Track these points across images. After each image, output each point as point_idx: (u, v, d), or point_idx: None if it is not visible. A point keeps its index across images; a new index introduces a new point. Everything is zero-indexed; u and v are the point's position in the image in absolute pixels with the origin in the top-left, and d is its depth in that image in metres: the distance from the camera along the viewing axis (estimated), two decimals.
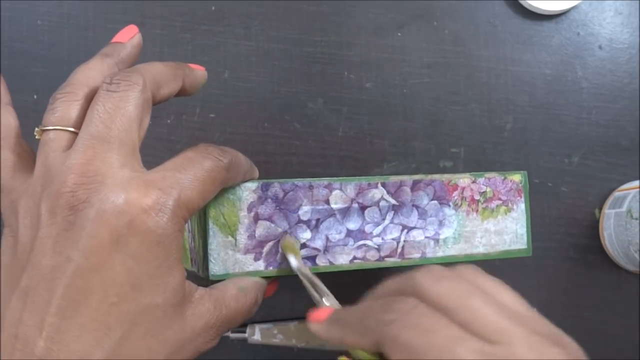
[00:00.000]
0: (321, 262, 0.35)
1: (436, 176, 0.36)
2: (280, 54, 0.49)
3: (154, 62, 0.31)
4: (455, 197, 0.36)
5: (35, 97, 0.48)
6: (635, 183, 0.47)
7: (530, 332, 0.24)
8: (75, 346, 0.25)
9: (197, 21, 0.49)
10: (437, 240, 0.36)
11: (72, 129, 0.29)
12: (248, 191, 0.33)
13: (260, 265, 0.34)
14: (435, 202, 0.36)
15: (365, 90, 0.49)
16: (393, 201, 0.36)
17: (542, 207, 0.48)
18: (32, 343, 0.25)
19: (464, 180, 0.37)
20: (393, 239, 0.36)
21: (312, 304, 0.48)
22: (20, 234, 0.27)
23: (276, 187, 0.34)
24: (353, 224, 0.35)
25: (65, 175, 0.26)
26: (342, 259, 0.35)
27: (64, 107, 0.30)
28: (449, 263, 0.35)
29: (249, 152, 0.48)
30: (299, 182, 0.34)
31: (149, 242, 0.26)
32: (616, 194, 0.47)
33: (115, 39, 0.33)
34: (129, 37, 0.33)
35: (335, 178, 0.35)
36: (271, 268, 0.34)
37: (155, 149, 0.48)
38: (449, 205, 0.36)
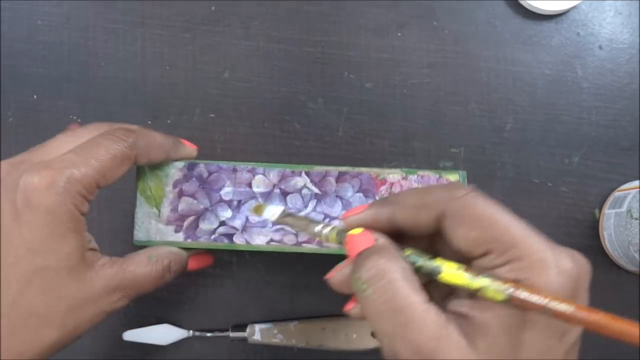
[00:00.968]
0: (238, 240, 0.37)
1: (364, 169, 0.37)
2: (280, 54, 0.49)
3: (154, 132, 0.36)
4: (382, 192, 0.37)
5: (35, 97, 0.48)
6: (635, 183, 0.47)
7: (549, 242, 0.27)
8: None
9: (197, 21, 0.49)
10: None
11: None
12: (175, 169, 0.37)
13: (180, 237, 0.37)
14: (360, 194, 0.37)
15: (365, 90, 0.49)
16: (316, 190, 0.37)
17: (542, 207, 0.48)
18: None
19: (394, 175, 0.37)
20: None
21: (314, 304, 0.48)
22: None
23: (201, 167, 0.37)
24: None
25: (5, 166, 0.33)
26: (259, 240, 0.37)
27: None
28: None
29: (249, 152, 0.48)
30: (223, 164, 0.37)
31: (40, 213, 0.31)
32: (616, 194, 0.47)
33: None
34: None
35: (259, 163, 0.37)
36: (190, 240, 0.37)
37: None
38: (375, 199, 0.37)
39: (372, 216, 0.30)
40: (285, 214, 0.34)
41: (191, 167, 0.37)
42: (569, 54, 0.49)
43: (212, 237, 0.37)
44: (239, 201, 0.37)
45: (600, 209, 0.48)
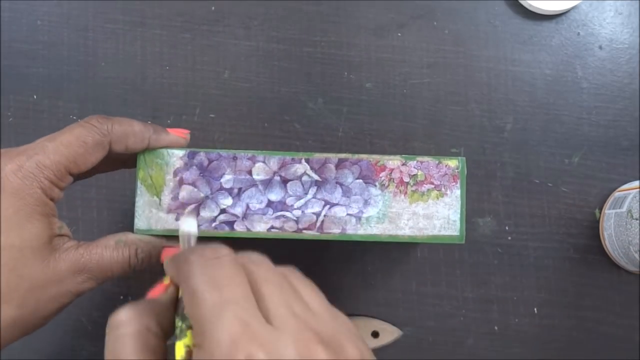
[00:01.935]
0: (239, 227, 0.37)
1: (363, 156, 0.37)
2: (280, 54, 0.49)
3: (133, 120, 0.36)
4: (382, 178, 0.37)
5: (35, 97, 0.48)
6: (635, 183, 0.47)
7: (305, 328, 0.26)
8: None
9: (197, 21, 0.49)
10: (359, 218, 0.37)
11: None
12: (175, 157, 0.37)
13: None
14: (360, 181, 0.37)
15: (365, 90, 0.49)
16: (316, 177, 0.37)
17: (542, 207, 0.48)
18: None
19: (393, 162, 0.37)
20: (314, 213, 0.37)
21: None
22: None
23: (201, 155, 0.37)
24: (275, 196, 0.37)
25: None
26: (260, 227, 0.37)
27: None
28: (371, 242, 0.37)
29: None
30: (223, 152, 0.37)
31: (7, 195, 0.32)
32: (616, 194, 0.47)
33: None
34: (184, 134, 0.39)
35: (259, 151, 0.37)
36: None
37: None
38: (375, 185, 0.37)
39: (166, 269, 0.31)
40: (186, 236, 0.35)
41: (191, 155, 0.37)
42: (569, 54, 0.49)
43: (213, 224, 0.37)
44: (240, 189, 0.37)
45: (601, 209, 0.48)
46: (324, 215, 0.37)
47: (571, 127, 0.49)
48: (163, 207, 0.37)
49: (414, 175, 0.37)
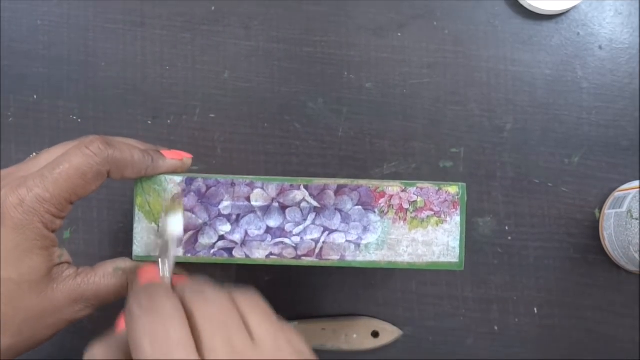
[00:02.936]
0: (238, 254, 0.37)
1: (363, 182, 0.37)
2: (280, 54, 0.49)
3: (134, 148, 0.35)
4: (382, 204, 0.37)
5: (35, 97, 0.48)
6: (635, 183, 0.47)
7: None
8: None
9: (197, 21, 0.49)
10: (358, 245, 0.37)
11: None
12: (173, 184, 0.37)
13: (179, 252, 0.37)
14: (360, 207, 0.37)
15: (365, 90, 0.49)
16: (315, 203, 0.37)
17: (542, 207, 0.48)
18: None
19: (393, 188, 0.37)
20: (312, 240, 0.37)
21: (315, 305, 0.49)
22: None
23: (199, 182, 0.37)
24: (273, 222, 0.37)
25: None
26: (259, 254, 0.37)
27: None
28: (370, 268, 0.37)
29: (249, 152, 0.48)
30: (221, 178, 0.37)
31: (7, 229, 0.32)
32: (616, 194, 0.47)
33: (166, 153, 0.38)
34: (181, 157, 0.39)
35: (258, 177, 0.37)
36: (189, 255, 0.37)
37: None
38: (374, 212, 0.37)
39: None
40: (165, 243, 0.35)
41: (189, 181, 0.37)
42: (569, 54, 0.49)
43: (212, 251, 0.37)
44: (238, 215, 0.37)
45: (600, 209, 0.48)
46: (323, 242, 0.37)
47: (571, 127, 0.49)
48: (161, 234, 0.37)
49: (414, 201, 0.37)
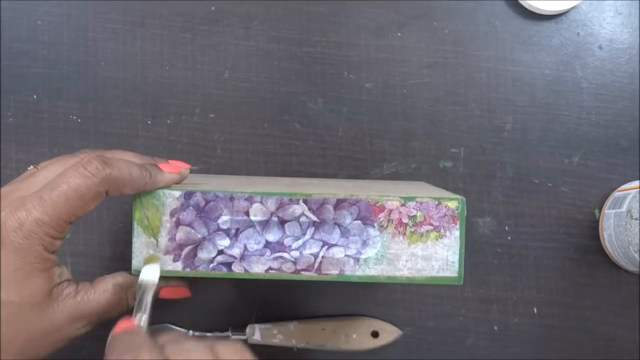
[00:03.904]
0: (237, 269, 0.37)
1: (362, 196, 0.37)
2: (280, 54, 0.49)
3: (132, 164, 0.35)
4: (381, 219, 0.37)
5: (35, 97, 0.48)
6: (635, 183, 0.47)
7: None
8: None
9: (197, 21, 0.49)
10: (357, 259, 0.36)
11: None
12: (172, 198, 0.37)
13: (178, 266, 0.37)
14: (359, 222, 0.37)
15: (365, 90, 0.49)
16: (314, 218, 0.37)
17: (542, 207, 0.48)
18: None
19: (392, 202, 0.37)
20: (311, 254, 0.37)
21: (315, 305, 0.49)
22: None
23: (198, 196, 0.37)
24: (272, 236, 0.37)
25: None
26: (258, 268, 0.37)
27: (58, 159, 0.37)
28: (369, 283, 0.37)
29: (249, 152, 0.48)
30: (220, 193, 0.37)
31: (7, 253, 0.32)
32: (616, 194, 0.47)
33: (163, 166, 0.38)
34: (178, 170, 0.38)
35: (257, 192, 0.36)
36: (188, 270, 0.37)
37: (155, 149, 0.48)
38: (374, 226, 0.37)
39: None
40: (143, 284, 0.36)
41: (188, 196, 0.37)
42: (569, 54, 0.49)
43: (211, 266, 0.37)
44: (237, 229, 0.37)
45: (600, 209, 0.48)
46: (322, 257, 0.37)
47: (571, 127, 0.49)
48: (160, 248, 0.37)
49: (413, 216, 0.37)
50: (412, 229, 0.37)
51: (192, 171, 0.43)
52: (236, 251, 0.37)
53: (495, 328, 0.48)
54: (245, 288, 0.48)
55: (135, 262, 0.37)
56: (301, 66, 0.49)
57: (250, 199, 0.37)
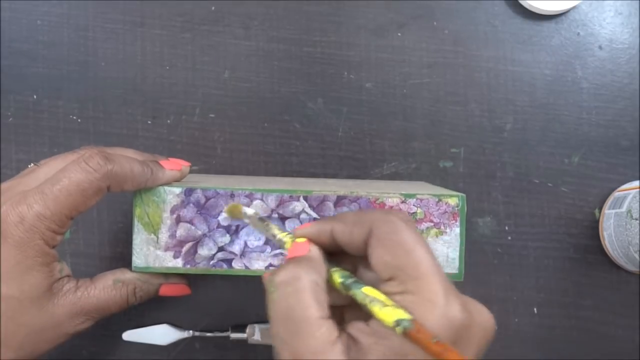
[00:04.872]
0: (237, 265, 0.37)
1: (362, 193, 0.37)
2: (280, 54, 0.49)
3: (133, 160, 0.35)
4: None
5: (35, 97, 0.48)
6: (635, 183, 0.47)
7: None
8: None
9: (197, 21, 0.49)
10: None
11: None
12: (172, 195, 0.37)
13: (179, 263, 0.37)
14: None
15: (365, 90, 0.49)
16: (314, 214, 0.37)
17: (541, 207, 0.48)
18: None
19: (392, 199, 0.37)
20: None
21: None
22: None
23: (198, 193, 0.37)
24: None
25: None
26: (258, 265, 0.37)
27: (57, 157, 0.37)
28: None
29: (249, 152, 0.48)
30: (221, 190, 0.37)
31: (8, 247, 0.33)
32: (616, 194, 0.47)
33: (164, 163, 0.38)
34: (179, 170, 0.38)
35: (257, 189, 0.37)
36: (188, 266, 0.37)
37: (155, 149, 0.48)
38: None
39: (316, 230, 0.31)
40: (255, 216, 0.35)
41: (188, 192, 0.37)
42: (569, 54, 0.49)
43: (211, 262, 0.37)
44: (237, 226, 0.37)
45: (600, 209, 0.48)
46: None
47: (571, 127, 0.49)
48: (160, 244, 0.37)
49: (413, 213, 0.37)
50: None
51: (192, 171, 0.43)
52: (236, 248, 0.37)
53: (495, 328, 0.48)
54: (245, 287, 0.48)
55: (135, 259, 0.37)
56: (301, 66, 0.49)
57: (250, 196, 0.37)
